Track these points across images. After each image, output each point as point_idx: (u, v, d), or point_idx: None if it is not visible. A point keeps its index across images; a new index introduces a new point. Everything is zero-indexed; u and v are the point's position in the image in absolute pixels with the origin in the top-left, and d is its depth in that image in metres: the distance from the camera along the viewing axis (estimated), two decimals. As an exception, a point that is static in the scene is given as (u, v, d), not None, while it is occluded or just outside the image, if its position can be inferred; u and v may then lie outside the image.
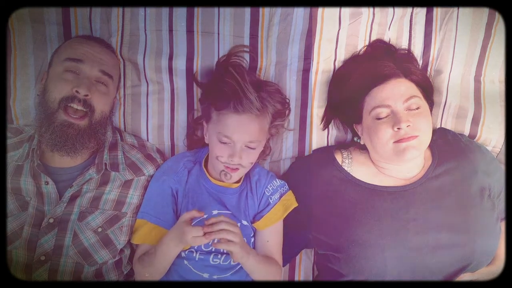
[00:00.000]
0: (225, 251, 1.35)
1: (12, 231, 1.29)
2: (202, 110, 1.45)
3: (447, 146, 1.45)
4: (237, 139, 1.31)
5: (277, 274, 1.40)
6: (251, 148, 1.34)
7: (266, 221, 1.40)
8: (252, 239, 1.42)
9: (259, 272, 1.34)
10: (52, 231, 1.30)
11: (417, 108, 1.33)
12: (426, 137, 1.33)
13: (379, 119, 1.34)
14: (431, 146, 1.42)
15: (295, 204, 1.42)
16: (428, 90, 1.42)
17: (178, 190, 1.39)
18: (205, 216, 1.35)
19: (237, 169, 1.35)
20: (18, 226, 1.29)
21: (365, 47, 1.52)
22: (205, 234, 1.17)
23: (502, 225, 1.38)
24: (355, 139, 1.49)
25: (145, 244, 1.37)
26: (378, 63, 1.42)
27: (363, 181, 1.40)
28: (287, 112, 1.48)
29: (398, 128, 1.30)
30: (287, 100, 1.49)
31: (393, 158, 1.34)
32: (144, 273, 1.34)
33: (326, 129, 1.58)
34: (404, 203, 1.34)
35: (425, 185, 1.36)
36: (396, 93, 1.33)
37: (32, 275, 1.27)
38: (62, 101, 1.30)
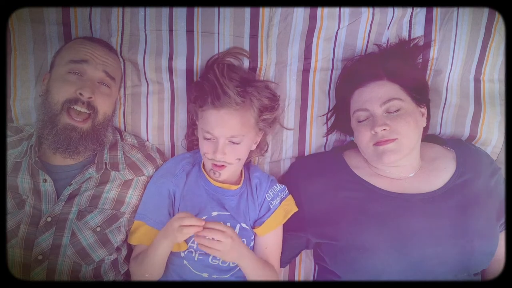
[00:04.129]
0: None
1: (8, 230, 1.28)
2: (191, 109, 1.46)
3: (471, 160, 1.42)
4: (218, 134, 1.31)
5: (274, 278, 1.39)
6: (235, 143, 1.33)
7: (266, 226, 1.40)
8: (252, 243, 1.42)
9: (254, 275, 1.34)
10: (50, 230, 1.30)
11: (397, 111, 1.32)
12: (406, 140, 1.31)
13: (360, 121, 1.36)
14: (457, 156, 1.41)
15: (295, 209, 1.42)
16: (419, 90, 1.39)
17: (176, 193, 1.39)
18: (204, 218, 1.35)
19: (223, 166, 1.34)
20: (15, 224, 1.29)
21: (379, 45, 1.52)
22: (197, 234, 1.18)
23: (502, 225, 1.38)
24: (351, 138, 1.49)
25: (142, 245, 1.37)
26: (361, 64, 1.44)
27: (365, 180, 1.40)
28: (275, 106, 1.46)
29: (375, 132, 1.30)
30: (277, 96, 1.47)
31: (375, 160, 1.35)
32: (141, 272, 1.33)
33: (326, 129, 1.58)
34: (405, 207, 1.33)
35: (436, 193, 1.35)
36: (374, 96, 1.34)
37: (29, 274, 1.27)
38: (65, 103, 1.30)
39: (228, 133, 1.31)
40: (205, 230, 1.18)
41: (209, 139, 1.33)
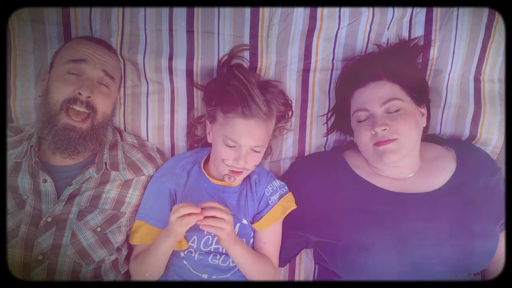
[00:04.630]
0: (224, 251, 1.35)
1: (8, 230, 1.28)
2: (207, 111, 1.44)
3: (471, 160, 1.42)
4: (244, 143, 1.31)
5: (271, 273, 1.39)
6: (256, 151, 1.34)
7: (265, 221, 1.40)
8: (252, 240, 1.42)
9: (248, 265, 1.34)
10: (50, 230, 1.29)
11: (397, 111, 1.32)
12: (406, 140, 1.31)
13: (360, 121, 1.36)
14: (457, 156, 1.40)
15: (294, 206, 1.42)
16: (419, 90, 1.39)
17: (177, 192, 1.39)
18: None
19: (241, 172, 1.35)
20: (15, 224, 1.29)
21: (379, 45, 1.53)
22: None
23: (502, 225, 1.38)
24: (352, 138, 1.49)
25: (143, 245, 1.37)
26: (361, 64, 1.44)
27: (365, 179, 1.40)
28: (290, 113, 1.48)
29: (375, 132, 1.30)
30: (290, 101, 1.49)
31: (375, 160, 1.35)
32: (142, 272, 1.34)
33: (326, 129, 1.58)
34: (405, 207, 1.33)
35: (436, 193, 1.35)
36: (374, 96, 1.34)
37: (30, 274, 1.27)
38: (64, 103, 1.30)
39: (253, 143, 1.32)
40: (206, 211, 1.18)
41: (231, 146, 1.32)
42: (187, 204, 1.20)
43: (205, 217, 1.19)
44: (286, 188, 1.45)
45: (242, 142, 1.31)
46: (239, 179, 1.38)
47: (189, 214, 1.18)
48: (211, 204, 1.21)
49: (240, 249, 1.30)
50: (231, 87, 1.34)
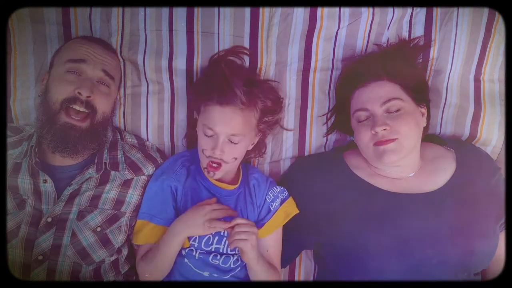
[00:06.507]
0: (224, 252, 1.35)
1: (8, 230, 1.28)
2: (192, 105, 1.45)
3: (471, 160, 1.42)
4: (219, 131, 1.31)
5: (277, 278, 1.40)
6: (233, 142, 1.33)
7: (267, 228, 1.40)
8: (253, 243, 1.42)
9: (262, 277, 1.34)
10: (50, 230, 1.29)
11: (397, 111, 1.32)
12: (406, 140, 1.31)
13: (360, 121, 1.36)
14: (457, 156, 1.41)
15: (296, 211, 1.42)
16: (419, 90, 1.39)
17: (178, 188, 1.39)
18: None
19: (219, 165, 1.34)
20: (15, 225, 1.29)
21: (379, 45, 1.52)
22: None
23: (502, 225, 1.38)
24: (352, 138, 1.49)
25: (148, 244, 1.37)
26: (361, 64, 1.44)
27: (365, 180, 1.40)
28: (278, 109, 1.47)
29: (375, 132, 1.30)
30: (281, 99, 1.48)
31: (375, 159, 1.35)
32: (152, 271, 1.34)
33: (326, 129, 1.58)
34: (405, 207, 1.33)
35: (437, 193, 1.35)
36: (374, 96, 1.34)
37: (30, 274, 1.27)
38: (64, 102, 1.30)
39: (229, 131, 1.31)
40: (237, 233, 1.23)
41: (210, 135, 1.33)
42: (218, 205, 1.28)
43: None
44: (287, 192, 1.45)
45: (217, 129, 1.31)
46: (218, 174, 1.36)
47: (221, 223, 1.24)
48: (241, 220, 1.26)
49: (260, 268, 1.32)
50: (212, 77, 1.35)
